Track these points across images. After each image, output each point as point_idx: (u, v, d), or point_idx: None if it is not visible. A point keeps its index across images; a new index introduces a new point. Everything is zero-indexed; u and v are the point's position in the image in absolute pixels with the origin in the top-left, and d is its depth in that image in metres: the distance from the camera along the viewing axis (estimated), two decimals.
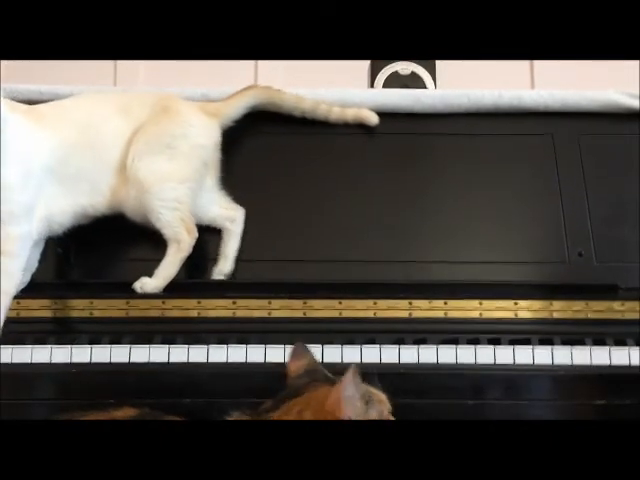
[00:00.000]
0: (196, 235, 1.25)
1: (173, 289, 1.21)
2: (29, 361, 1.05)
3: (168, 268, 1.22)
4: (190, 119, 1.27)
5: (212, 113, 1.30)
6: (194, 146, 1.26)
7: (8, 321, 1.09)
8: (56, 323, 1.20)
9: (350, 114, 1.34)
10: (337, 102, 1.36)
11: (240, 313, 1.20)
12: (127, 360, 1.07)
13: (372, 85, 1.50)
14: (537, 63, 1.83)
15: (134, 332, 1.15)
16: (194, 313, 1.20)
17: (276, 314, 1.18)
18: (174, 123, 1.26)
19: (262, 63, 1.82)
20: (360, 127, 1.36)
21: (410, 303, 1.18)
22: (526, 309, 1.20)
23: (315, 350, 1.03)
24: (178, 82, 1.75)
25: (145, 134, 1.24)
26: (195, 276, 1.28)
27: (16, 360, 1.05)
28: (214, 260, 1.29)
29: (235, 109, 1.32)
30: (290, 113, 1.34)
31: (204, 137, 1.28)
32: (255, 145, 1.37)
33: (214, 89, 1.38)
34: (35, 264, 1.22)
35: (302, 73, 1.74)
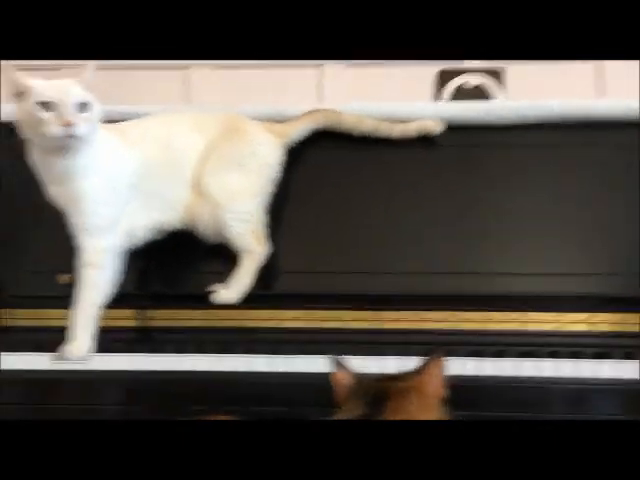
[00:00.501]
0: (267, 246, 1.29)
1: (248, 300, 1.25)
2: (116, 368, 1.08)
3: (243, 279, 1.25)
4: (258, 139, 1.32)
5: (278, 133, 1.34)
6: (261, 164, 1.31)
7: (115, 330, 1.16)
8: (139, 332, 1.26)
9: (413, 128, 1.34)
10: (403, 116, 1.37)
11: (313, 324, 1.23)
12: (208, 369, 1.10)
13: (439, 98, 1.51)
14: (603, 72, 1.81)
15: (213, 342, 1.19)
16: (271, 323, 1.23)
17: (351, 325, 1.20)
18: (243, 142, 1.31)
19: (328, 71, 1.85)
20: (421, 140, 1.35)
21: (485, 315, 1.18)
22: (603, 322, 1.19)
23: (391, 362, 1.05)
24: (248, 92, 1.83)
25: (217, 152, 1.29)
26: (270, 287, 1.31)
27: (103, 367, 1.09)
28: (288, 272, 1.31)
29: (299, 131, 1.36)
30: (351, 133, 1.36)
31: (270, 156, 1.32)
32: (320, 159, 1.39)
33: (288, 107, 1.42)
34: (119, 276, 1.26)
35: (367, 84, 1.77)
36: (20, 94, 1.10)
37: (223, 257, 1.32)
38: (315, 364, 1.05)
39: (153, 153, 1.25)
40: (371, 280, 1.28)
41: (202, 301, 1.25)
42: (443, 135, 1.34)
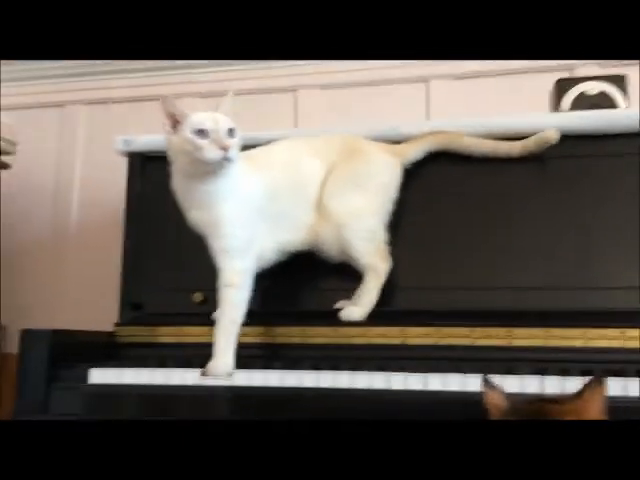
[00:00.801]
0: (390, 263, 1.31)
1: (375, 317, 1.28)
2: (253, 384, 1.13)
3: (370, 296, 1.28)
4: (376, 159, 1.35)
5: (396, 153, 1.37)
6: (381, 183, 1.34)
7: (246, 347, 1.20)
8: (267, 349, 1.31)
9: (532, 143, 1.31)
10: (521, 129, 1.35)
11: (443, 341, 1.23)
12: (336, 386, 1.12)
13: (557, 108, 1.48)
14: None
15: (342, 358, 1.22)
16: (397, 341, 1.25)
17: (480, 342, 1.20)
18: (362, 163, 1.34)
19: (434, 84, 1.86)
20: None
21: (622, 332, 1.15)
22: None
23: (525, 381, 1.04)
24: (355, 110, 1.87)
25: (337, 174, 1.33)
26: (389, 304, 1.33)
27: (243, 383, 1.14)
28: (410, 288, 1.33)
29: (417, 152, 1.38)
30: (471, 154, 1.35)
31: (389, 176, 1.35)
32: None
33: (405, 124, 1.43)
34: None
35: (478, 98, 1.76)
36: (176, 124, 1.18)
37: (343, 274, 1.37)
38: (448, 382, 1.06)
39: (279, 177, 1.30)
40: (497, 295, 1.28)
41: (327, 318, 1.30)
42: (560, 145, 1.32)
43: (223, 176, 1.18)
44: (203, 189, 1.19)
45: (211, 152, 1.14)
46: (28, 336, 1.16)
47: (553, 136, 1.30)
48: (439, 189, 1.39)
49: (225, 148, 1.14)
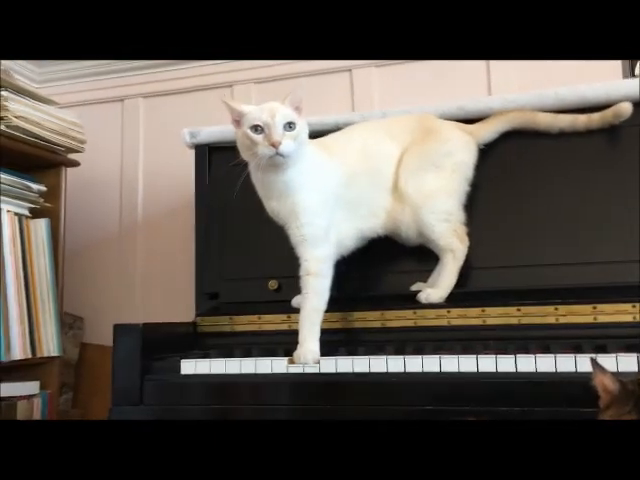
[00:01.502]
0: (468, 243, 1.30)
1: (454, 299, 1.27)
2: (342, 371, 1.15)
3: (449, 278, 1.27)
4: (452, 138, 1.33)
5: (471, 133, 1.35)
6: (457, 162, 1.32)
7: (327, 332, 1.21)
8: (347, 334, 1.32)
9: (609, 115, 1.28)
10: (601, 97, 1.31)
11: (525, 320, 1.22)
12: (423, 370, 1.12)
13: (632, 75, 1.42)
14: None
15: (423, 341, 1.23)
16: (478, 321, 1.24)
17: (564, 320, 1.19)
18: (438, 142, 1.32)
19: (494, 63, 1.81)
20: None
21: None
22: None
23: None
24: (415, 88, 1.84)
25: (412, 155, 1.32)
26: (471, 285, 1.32)
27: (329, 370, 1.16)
28: (488, 268, 1.32)
29: (491, 133, 1.35)
30: (547, 132, 1.32)
31: (466, 154, 1.33)
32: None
33: (470, 102, 1.41)
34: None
35: (536, 75, 1.70)
36: (237, 121, 1.20)
37: (416, 256, 1.36)
38: (538, 363, 1.05)
39: (354, 164, 1.29)
40: (580, 271, 1.25)
41: (406, 302, 1.30)
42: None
43: (296, 166, 1.19)
44: (279, 180, 1.20)
45: (264, 148, 1.15)
46: (120, 330, 1.20)
47: (628, 110, 1.26)
48: (511, 165, 1.36)
49: (275, 144, 1.14)
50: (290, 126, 1.17)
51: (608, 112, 1.28)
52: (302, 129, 1.19)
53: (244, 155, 1.21)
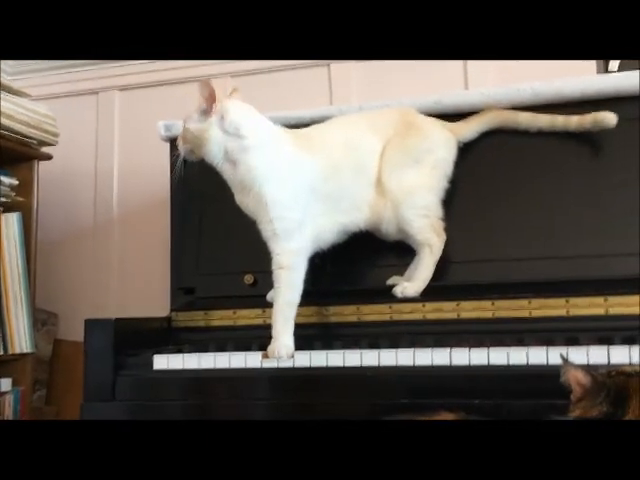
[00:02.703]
0: (445, 238, 1.30)
1: (429, 293, 1.27)
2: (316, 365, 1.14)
3: (425, 272, 1.27)
4: (433, 135, 1.33)
5: (452, 131, 1.35)
6: (438, 159, 1.32)
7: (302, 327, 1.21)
8: (322, 328, 1.32)
9: (588, 120, 1.28)
10: (576, 92, 1.33)
11: (499, 314, 1.23)
12: (397, 364, 1.12)
13: (606, 70, 1.43)
14: None
15: (398, 335, 1.22)
16: (453, 315, 1.25)
17: (538, 313, 1.20)
18: (419, 138, 1.32)
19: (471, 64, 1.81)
20: None
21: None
22: None
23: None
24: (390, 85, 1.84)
25: (394, 149, 1.31)
26: (443, 279, 1.32)
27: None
28: (463, 262, 1.32)
29: (471, 132, 1.36)
30: (526, 130, 1.33)
31: (446, 151, 1.33)
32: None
33: (446, 96, 1.41)
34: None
35: (514, 70, 1.71)
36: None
37: (393, 251, 1.36)
38: (510, 356, 1.05)
39: (335, 157, 1.28)
40: (553, 265, 1.26)
41: (381, 296, 1.30)
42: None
43: (257, 159, 1.19)
44: (239, 173, 1.21)
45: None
46: (92, 326, 1.18)
47: (611, 120, 1.26)
48: (486, 161, 1.36)
49: None
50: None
51: (587, 118, 1.28)
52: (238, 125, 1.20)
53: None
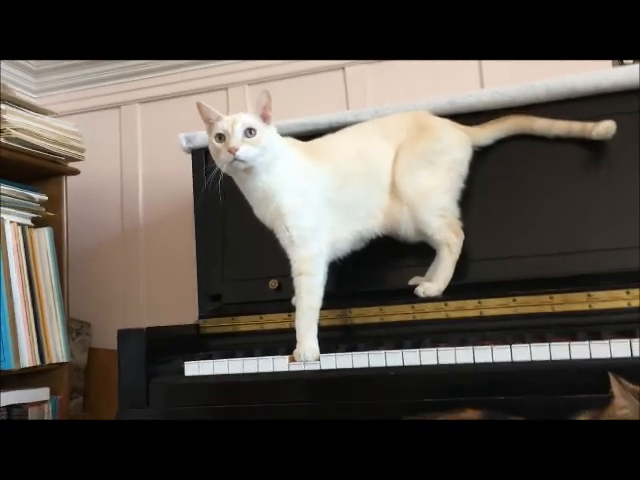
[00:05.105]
0: (463, 237, 1.32)
1: (450, 292, 1.29)
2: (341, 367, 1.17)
3: (446, 271, 1.29)
4: (447, 136, 1.35)
5: (468, 133, 1.37)
6: (452, 160, 1.34)
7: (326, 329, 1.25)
8: (346, 330, 1.34)
9: (603, 127, 1.28)
10: (590, 88, 1.33)
11: (521, 310, 1.24)
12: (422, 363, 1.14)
13: (620, 63, 1.43)
14: None
15: (422, 334, 1.24)
16: (475, 313, 1.26)
17: (560, 308, 1.21)
18: (433, 140, 1.34)
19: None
20: None
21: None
22: None
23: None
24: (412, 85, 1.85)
25: (408, 153, 1.33)
26: (468, 277, 1.34)
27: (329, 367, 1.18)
28: (484, 260, 1.33)
29: (487, 138, 1.37)
30: (543, 136, 1.34)
31: (460, 152, 1.35)
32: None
33: (460, 96, 1.42)
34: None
35: (529, 69, 1.71)
36: (210, 124, 1.24)
37: (414, 251, 1.38)
38: (533, 352, 1.06)
39: (348, 166, 1.31)
40: (573, 260, 1.27)
41: (403, 296, 1.32)
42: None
43: (272, 171, 1.22)
44: (253, 185, 1.24)
45: (224, 155, 1.19)
46: (124, 335, 1.22)
47: (611, 128, 1.27)
48: (506, 159, 1.38)
49: (232, 151, 1.18)
50: (250, 132, 1.20)
51: (602, 125, 1.28)
52: (264, 134, 1.21)
53: (215, 161, 1.24)
